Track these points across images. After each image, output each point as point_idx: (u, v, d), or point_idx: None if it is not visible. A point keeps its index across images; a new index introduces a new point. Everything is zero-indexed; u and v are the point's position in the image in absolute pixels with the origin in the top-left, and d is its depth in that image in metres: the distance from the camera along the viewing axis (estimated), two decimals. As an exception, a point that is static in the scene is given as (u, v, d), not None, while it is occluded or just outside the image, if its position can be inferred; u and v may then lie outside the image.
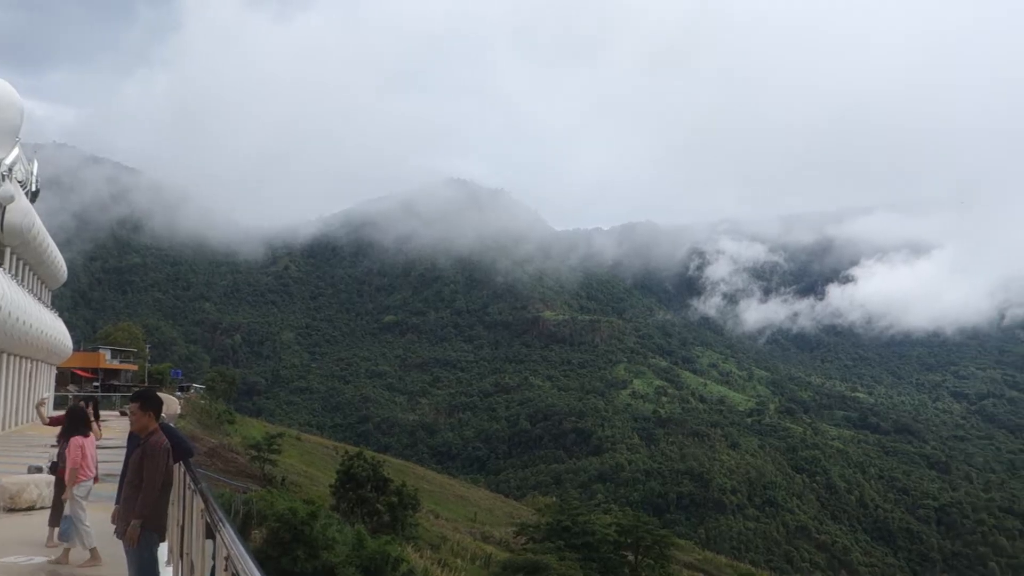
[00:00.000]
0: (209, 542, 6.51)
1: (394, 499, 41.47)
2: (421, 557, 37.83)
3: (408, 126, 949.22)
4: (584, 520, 45.30)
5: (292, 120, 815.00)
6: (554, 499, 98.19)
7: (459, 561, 43.04)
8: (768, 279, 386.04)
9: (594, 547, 41.92)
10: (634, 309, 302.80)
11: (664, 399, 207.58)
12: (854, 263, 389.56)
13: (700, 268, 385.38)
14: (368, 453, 52.15)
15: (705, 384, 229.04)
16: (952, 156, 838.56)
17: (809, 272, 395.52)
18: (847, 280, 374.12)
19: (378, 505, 41.20)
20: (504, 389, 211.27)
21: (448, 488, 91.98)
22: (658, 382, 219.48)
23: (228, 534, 5.36)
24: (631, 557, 43.09)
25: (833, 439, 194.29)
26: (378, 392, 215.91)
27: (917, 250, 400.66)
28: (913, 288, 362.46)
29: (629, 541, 43.38)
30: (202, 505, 7.16)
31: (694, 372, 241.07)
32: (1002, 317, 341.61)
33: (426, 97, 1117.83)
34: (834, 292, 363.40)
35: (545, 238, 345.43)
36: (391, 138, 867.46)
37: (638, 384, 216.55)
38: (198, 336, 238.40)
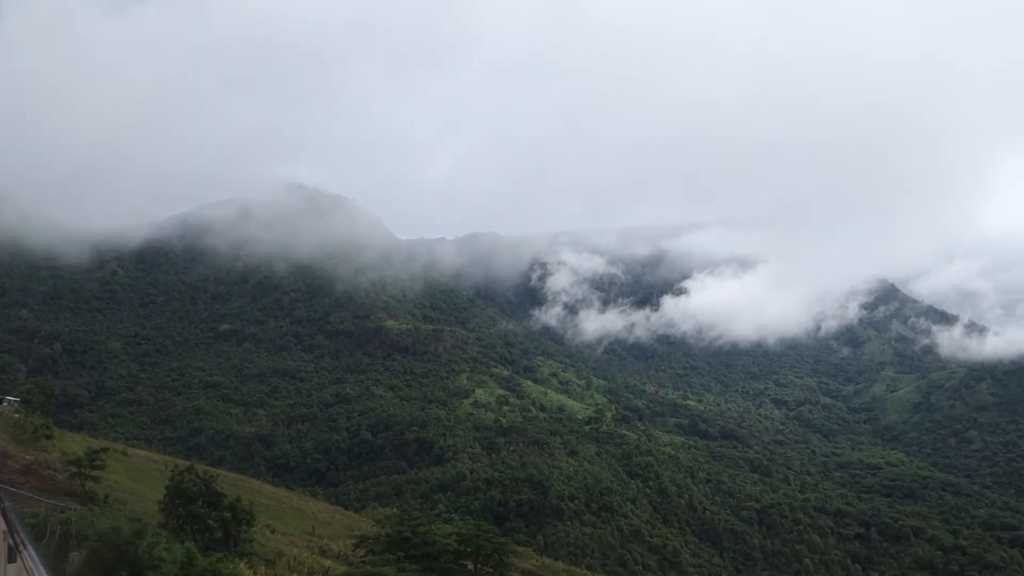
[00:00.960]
0: (13, 566, 6.04)
1: (227, 514, 39.92)
2: (255, 574, 36.53)
3: (249, 129, 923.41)
4: (424, 530, 45.08)
5: (124, 118, 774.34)
6: (395, 510, 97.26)
7: (295, 576, 41.85)
8: (607, 290, 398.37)
9: (434, 557, 41.79)
10: (477, 319, 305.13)
11: (505, 408, 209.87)
12: (687, 276, 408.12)
13: (542, 279, 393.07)
14: (200, 467, 49.96)
15: (545, 393, 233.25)
16: (777, 175, 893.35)
17: (645, 284, 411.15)
18: (680, 292, 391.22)
19: (210, 521, 39.55)
20: (345, 399, 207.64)
21: (285, 501, 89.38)
22: (500, 391, 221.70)
23: (31, 557, 4.98)
24: (471, 566, 43.22)
25: (665, 445, 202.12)
26: (212, 403, 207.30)
27: (744, 264, 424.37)
28: (740, 300, 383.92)
29: (469, 550, 43.50)
30: (3, 527, 6.64)
31: (535, 381, 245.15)
32: (818, 328, 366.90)
33: (269, 100, 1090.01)
34: (668, 303, 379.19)
35: (388, 247, 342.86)
36: (231, 141, 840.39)
37: (480, 393, 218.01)
38: (13, 345, 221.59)
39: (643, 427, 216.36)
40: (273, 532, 60.12)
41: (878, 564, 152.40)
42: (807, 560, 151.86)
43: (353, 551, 53.72)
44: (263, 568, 40.48)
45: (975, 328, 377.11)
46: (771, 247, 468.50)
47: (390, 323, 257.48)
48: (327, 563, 50.11)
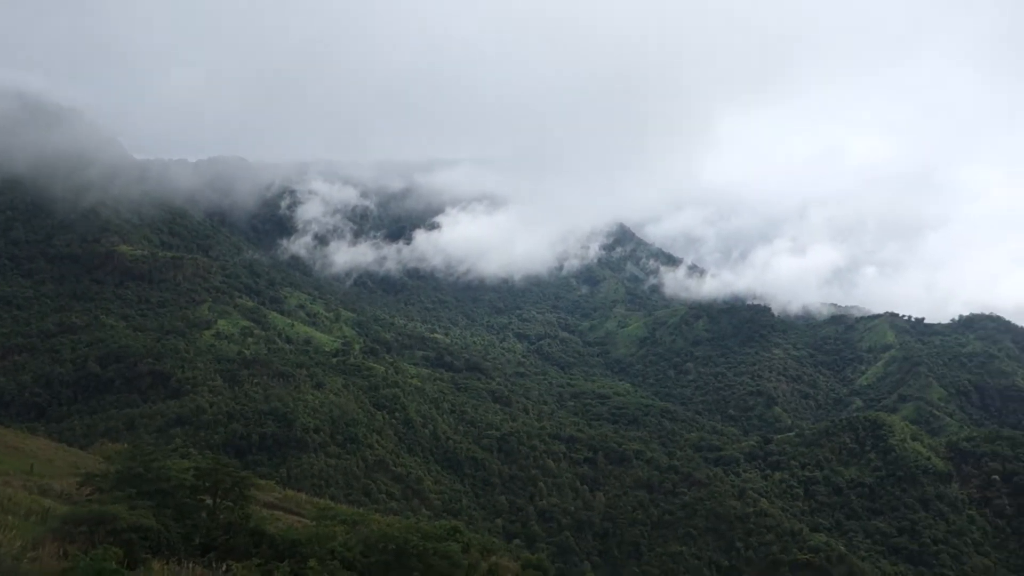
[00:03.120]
0: None
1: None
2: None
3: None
4: (159, 466, 43.08)
5: None
6: (126, 445, 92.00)
7: (10, 518, 38.65)
8: (359, 223, 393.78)
9: (169, 493, 40.11)
10: (220, 247, 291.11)
11: (250, 340, 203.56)
12: (439, 211, 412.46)
13: (291, 208, 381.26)
14: None
15: (292, 325, 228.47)
16: (527, 119, 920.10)
17: (397, 217, 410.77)
18: (433, 227, 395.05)
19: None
20: (70, 329, 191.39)
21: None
22: (244, 323, 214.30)
23: None
24: (209, 501, 41.99)
25: (412, 377, 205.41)
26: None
27: (495, 203, 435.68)
28: (490, 237, 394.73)
29: (208, 484, 42.18)
30: None
31: (282, 313, 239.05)
32: (560, 267, 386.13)
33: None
34: (420, 238, 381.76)
35: (123, 166, 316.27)
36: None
37: (223, 325, 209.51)
38: None
39: (391, 360, 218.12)
40: (-18, 472, 54.91)
41: (603, 484, 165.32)
42: (541, 484, 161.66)
43: (78, 490, 50.41)
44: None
45: (696, 270, 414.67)
46: (520, 187, 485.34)
47: (123, 248, 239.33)
48: (47, 503, 46.70)
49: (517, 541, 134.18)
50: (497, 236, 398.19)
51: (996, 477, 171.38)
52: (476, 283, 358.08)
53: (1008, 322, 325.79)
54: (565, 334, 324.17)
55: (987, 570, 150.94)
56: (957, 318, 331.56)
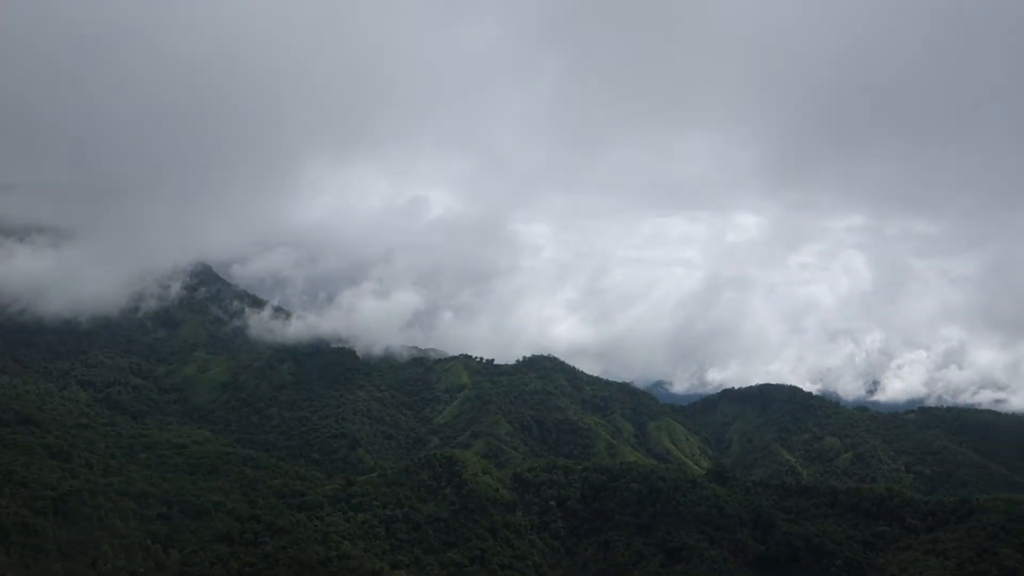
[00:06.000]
0: None
1: None
2: None
3: None
4: None
5: None
6: None
7: None
8: None
9: None
10: None
11: None
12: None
13: None
14: None
15: None
16: (98, 144, 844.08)
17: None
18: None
19: None
20: None
21: None
22: None
23: None
24: None
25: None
26: None
27: (60, 235, 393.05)
28: (52, 273, 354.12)
29: None
30: None
31: None
32: (136, 308, 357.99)
33: None
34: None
35: None
36: None
37: None
38: None
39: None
40: None
41: (179, 541, 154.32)
42: (106, 546, 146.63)
43: None
44: None
45: (282, 312, 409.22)
46: (91, 220, 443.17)
47: None
48: None
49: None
50: (60, 272, 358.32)
51: (552, 503, 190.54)
52: (32, 325, 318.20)
53: (562, 362, 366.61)
54: (138, 380, 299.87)
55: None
56: (521, 359, 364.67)
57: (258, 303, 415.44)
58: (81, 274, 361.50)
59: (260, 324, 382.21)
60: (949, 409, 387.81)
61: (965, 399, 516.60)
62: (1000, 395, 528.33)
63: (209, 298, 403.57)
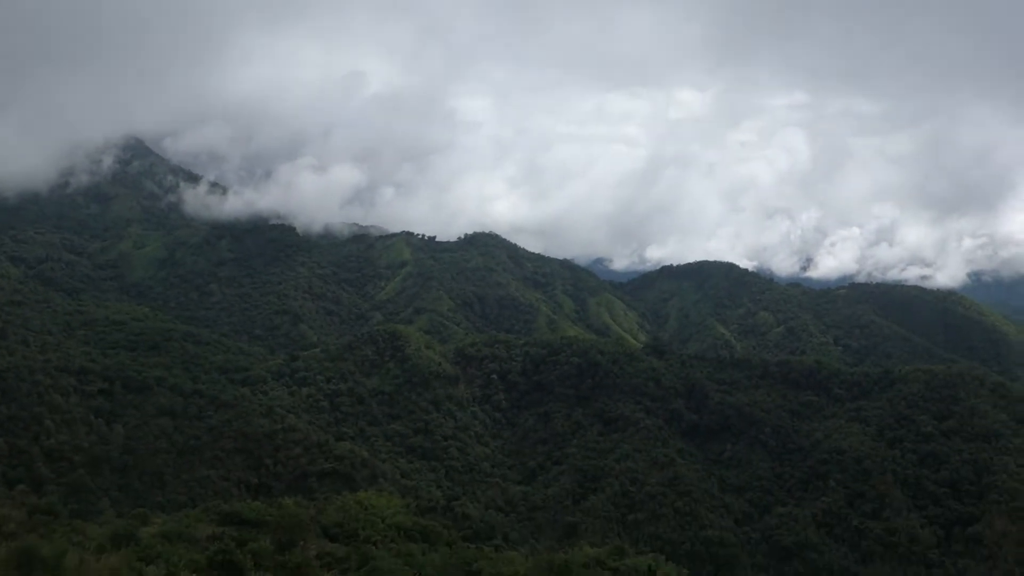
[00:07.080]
0: None
1: None
2: None
3: None
4: None
5: None
6: None
7: None
8: None
9: None
10: None
11: None
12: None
13: None
14: None
15: None
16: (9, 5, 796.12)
17: None
18: None
19: None
20: None
21: None
22: None
23: None
24: None
25: None
26: None
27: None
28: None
29: None
30: None
31: None
32: (66, 183, 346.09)
33: None
34: None
35: None
36: None
37: None
38: None
39: None
40: None
41: (121, 416, 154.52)
42: (48, 422, 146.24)
43: None
44: None
45: (218, 188, 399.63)
46: (13, 90, 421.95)
47: None
48: None
49: (22, 486, 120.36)
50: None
51: (494, 376, 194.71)
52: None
53: (503, 239, 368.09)
54: (71, 256, 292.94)
55: (487, 457, 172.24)
56: (462, 236, 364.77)
57: (193, 178, 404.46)
58: (4, 148, 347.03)
59: (196, 200, 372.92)
60: (878, 285, 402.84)
61: (894, 275, 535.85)
62: (927, 271, 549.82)
63: (142, 172, 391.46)
